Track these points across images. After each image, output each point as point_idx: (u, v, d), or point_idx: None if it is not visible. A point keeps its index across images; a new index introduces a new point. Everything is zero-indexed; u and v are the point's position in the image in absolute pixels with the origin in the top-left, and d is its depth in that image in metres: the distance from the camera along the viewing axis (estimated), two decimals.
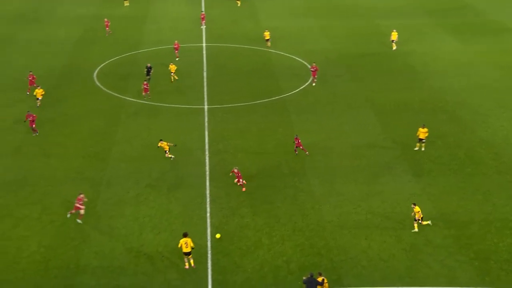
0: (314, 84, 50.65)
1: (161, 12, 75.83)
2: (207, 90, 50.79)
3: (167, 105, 47.40)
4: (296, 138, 39.17)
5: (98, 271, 28.23)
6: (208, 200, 34.24)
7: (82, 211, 31.19)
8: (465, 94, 49.58)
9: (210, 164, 38.17)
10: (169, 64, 52.23)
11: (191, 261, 28.69)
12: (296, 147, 39.10)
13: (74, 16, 72.15)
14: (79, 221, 31.43)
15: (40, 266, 28.44)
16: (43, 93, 45.68)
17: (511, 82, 52.54)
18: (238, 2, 79.16)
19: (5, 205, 33.19)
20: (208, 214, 32.92)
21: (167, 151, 38.25)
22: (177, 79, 51.88)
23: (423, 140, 39.59)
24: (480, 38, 64.89)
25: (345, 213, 33.10)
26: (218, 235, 30.42)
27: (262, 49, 61.28)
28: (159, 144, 38.20)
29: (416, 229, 31.42)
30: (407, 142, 41.04)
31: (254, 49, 61.68)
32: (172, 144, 38.48)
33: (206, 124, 44.17)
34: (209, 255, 29.49)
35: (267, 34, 61.74)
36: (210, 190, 35.17)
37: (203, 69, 55.78)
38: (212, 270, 28.48)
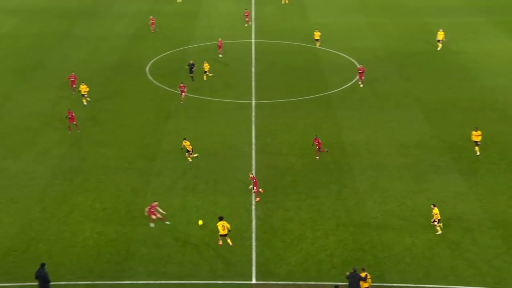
0: (361, 85, 50.23)
1: (212, 8, 76.98)
2: (255, 85, 51.52)
3: (216, 99, 48.38)
4: (315, 139, 38.66)
5: (147, 258, 29.28)
6: (253, 193, 34.95)
7: (154, 217, 31.50)
8: None
9: (256, 158, 38.85)
10: (204, 62, 52.82)
11: (228, 240, 29.83)
12: (318, 149, 38.49)
13: (130, 12, 74.11)
14: (152, 225, 31.64)
15: (92, 251, 29.75)
16: (87, 89, 46.47)
17: None
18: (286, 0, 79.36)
19: (61, 192, 34.79)
20: (253, 207, 33.60)
21: (190, 152, 37.89)
22: (211, 76, 52.04)
23: (478, 143, 38.93)
24: None
25: (390, 210, 33.19)
26: (200, 222, 31.25)
27: (310, 46, 61.50)
28: (183, 144, 37.94)
29: (439, 231, 31.10)
30: (455, 141, 40.64)
31: (303, 45, 61.97)
32: (195, 155, 38.19)
33: (253, 118, 44.91)
34: (254, 247, 30.14)
35: (317, 34, 61.00)
36: None
37: (251, 65, 56.53)
38: (256, 262, 29.10)
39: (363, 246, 30.22)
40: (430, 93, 49.27)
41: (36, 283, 26.17)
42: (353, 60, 57.14)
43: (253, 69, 55.43)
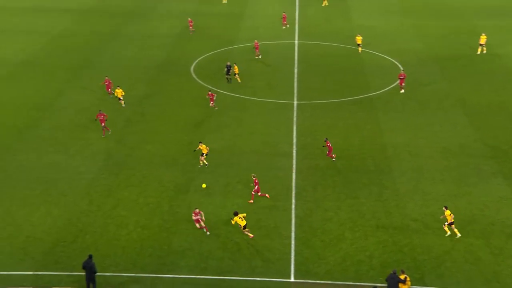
0: (402, 91, 49.38)
1: (257, 9, 77.58)
2: (297, 86, 51.82)
3: (258, 99, 48.91)
4: (327, 142, 38.58)
5: (188, 253, 29.97)
6: (293, 192, 35.28)
7: (198, 225, 31.74)
8: None
9: (297, 158, 39.17)
10: (233, 64, 53.22)
11: (248, 233, 30.82)
12: (328, 152, 38.49)
13: (176, 12, 75.42)
14: (207, 232, 31.64)
15: (136, 244, 30.62)
16: (123, 93, 47.14)
17: None
18: (325, 2, 79.14)
19: (107, 186, 35.92)
20: (293, 206, 33.94)
21: (204, 154, 37.76)
22: (237, 79, 52.18)
23: None
24: None
25: (430, 212, 32.99)
26: (204, 185, 33.86)
27: (353, 47, 61.34)
28: (199, 147, 37.77)
29: (448, 233, 31.00)
30: (499, 144, 40.01)
31: (345, 47, 61.88)
32: (205, 164, 38.21)
33: (294, 118, 45.22)
34: (293, 246, 30.46)
35: (358, 39, 60.02)
36: (296, 183, 36.19)
37: (294, 66, 56.83)
38: (295, 260, 29.42)
39: (403, 248, 30.17)
40: (474, 95, 48.56)
41: (83, 273, 27.20)
42: (396, 62, 56.75)
43: (295, 70, 55.72)
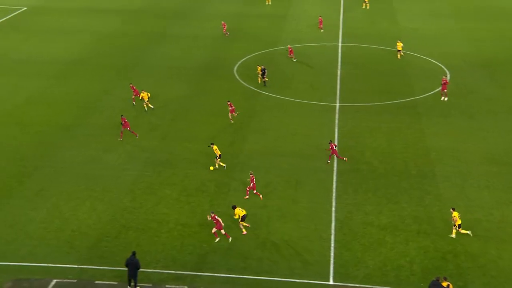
0: (444, 98, 48.11)
1: (300, 11, 77.49)
2: (340, 88, 51.55)
3: (300, 100, 48.89)
4: (330, 144, 38.25)
5: (228, 253, 30.19)
6: (334, 195, 35.14)
7: (221, 230, 31.43)
8: None
9: (338, 160, 38.98)
10: (257, 66, 53.10)
11: (246, 224, 31.58)
12: (331, 154, 38.14)
13: (220, 13, 76.06)
14: (217, 238, 31.39)
15: (176, 242, 31.07)
16: (149, 95, 47.26)
17: None
18: (366, 5, 78.25)
19: (150, 184, 36.59)
20: (333, 209, 33.81)
21: (218, 157, 37.72)
22: (262, 80, 51.96)
23: None
24: None
25: (475, 219, 32.29)
26: (211, 168, 35.94)
27: (398, 50, 60.49)
28: (214, 148, 37.79)
29: (453, 235, 30.45)
30: None
31: (390, 50, 61.12)
32: (223, 164, 38.07)
33: (336, 121, 45.01)
34: (332, 249, 30.36)
35: (399, 45, 58.77)
36: (337, 185, 36.04)
37: (337, 68, 56.55)
38: (335, 263, 29.31)
39: (446, 255, 29.64)
40: None
41: (125, 269, 27.63)
42: (442, 66, 55.74)
43: (338, 72, 55.44)
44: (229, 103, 44.79)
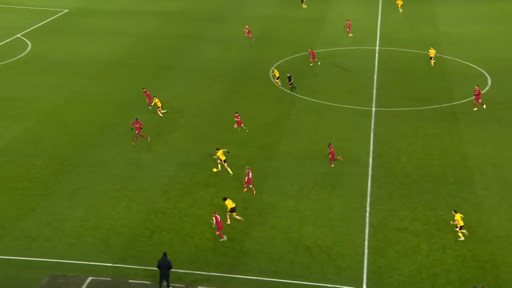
0: (483, 106, 46.77)
1: (336, 14, 77.10)
2: (376, 92, 51.00)
3: (336, 104, 48.56)
4: (330, 147, 37.97)
5: (260, 256, 30.16)
6: (368, 200, 34.75)
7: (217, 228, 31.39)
8: None
9: (373, 165, 38.55)
10: (274, 69, 52.97)
11: (239, 218, 32.27)
12: (330, 158, 37.95)
13: (256, 16, 76.34)
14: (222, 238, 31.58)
15: (209, 244, 31.17)
16: (159, 104, 46.71)
17: None
18: (400, 9, 77.26)
19: (184, 185, 36.84)
20: (367, 214, 33.44)
21: (221, 161, 37.59)
22: (279, 83, 52.11)
23: None
24: None
25: None
26: (215, 169, 36.29)
27: (437, 54, 59.49)
28: (216, 154, 37.67)
29: (462, 238, 29.98)
30: None
31: (429, 54, 60.13)
32: (229, 172, 37.91)
33: (372, 125, 44.53)
34: (366, 254, 30.02)
35: (432, 52, 57.44)
36: (372, 191, 35.64)
37: (374, 72, 55.98)
38: (368, 269, 28.96)
39: (484, 265, 28.94)
40: None
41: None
42: (482, 71, 54.58)
43: (375, 76, 54.87)
44: (236, 115, 44.07)
